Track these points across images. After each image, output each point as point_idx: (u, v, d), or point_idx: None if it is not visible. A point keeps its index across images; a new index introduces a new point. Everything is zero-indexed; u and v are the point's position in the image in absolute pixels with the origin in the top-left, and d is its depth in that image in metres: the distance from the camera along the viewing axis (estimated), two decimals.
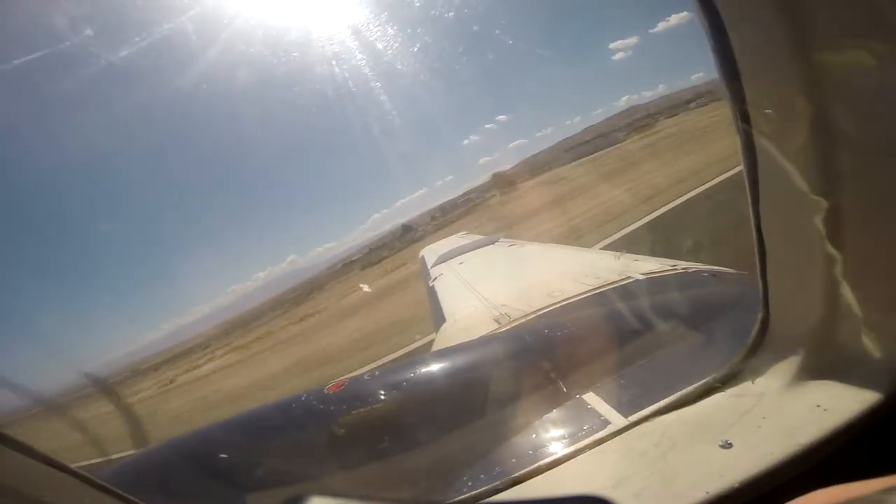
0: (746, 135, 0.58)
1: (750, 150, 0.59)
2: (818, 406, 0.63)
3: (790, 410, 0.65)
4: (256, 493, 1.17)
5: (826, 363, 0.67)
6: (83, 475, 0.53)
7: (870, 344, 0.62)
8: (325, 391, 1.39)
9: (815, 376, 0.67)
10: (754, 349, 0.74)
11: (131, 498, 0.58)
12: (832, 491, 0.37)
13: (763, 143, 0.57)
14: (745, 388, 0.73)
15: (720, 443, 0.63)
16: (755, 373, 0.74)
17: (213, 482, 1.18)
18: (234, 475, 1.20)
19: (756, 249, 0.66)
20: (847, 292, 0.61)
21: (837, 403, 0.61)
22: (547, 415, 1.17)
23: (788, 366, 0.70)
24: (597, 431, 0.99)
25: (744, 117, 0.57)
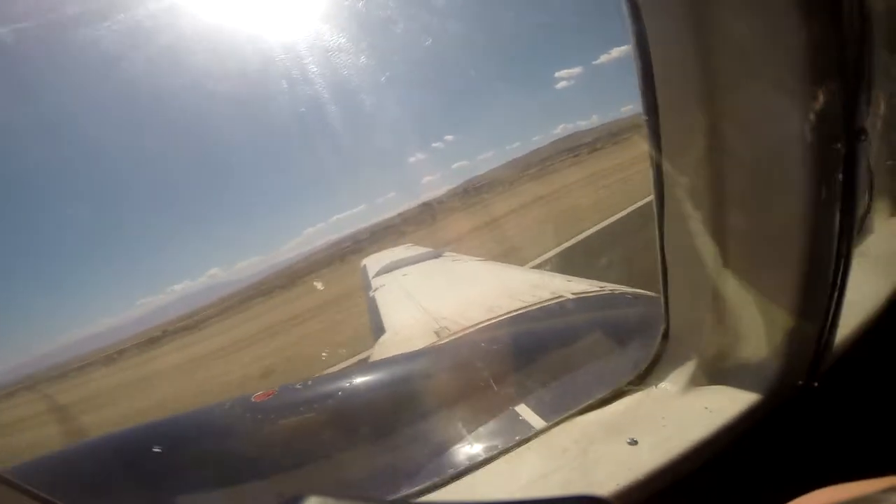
0: (657, 167, 0.68)
1: (659, 181, 0.69)
2: (706, 408, 0.74)
3: (685, 412, 0.75)
4: (171, 498, 1.10)
5: (714, 371, 0.79)
6: None
7: (748, 354, 0.75)
8: (252, 399, 1.32)
9: (705, 382, 0.79)
10: (658, 357, 0.86)
11: (40, 493, 0.56)
12: (832, 491, 0.39)
13: (670, 174, 0.67)
14: (650, 391, 0.84)
15: (628, 440, 0.72)
16: (658, 378, 0.85)
17: (124, 485, 1.10)
18: (148, 479, 1.13)
19: (660, 269, 0.78)
20: (731, 309, 0.73)
21: (721, 405, 0.73)
22: (478, 423, 1.22)
23: (684, 372, 0.81)
24: (520, 437, 1.05)
25: (657, 147, 0.66)
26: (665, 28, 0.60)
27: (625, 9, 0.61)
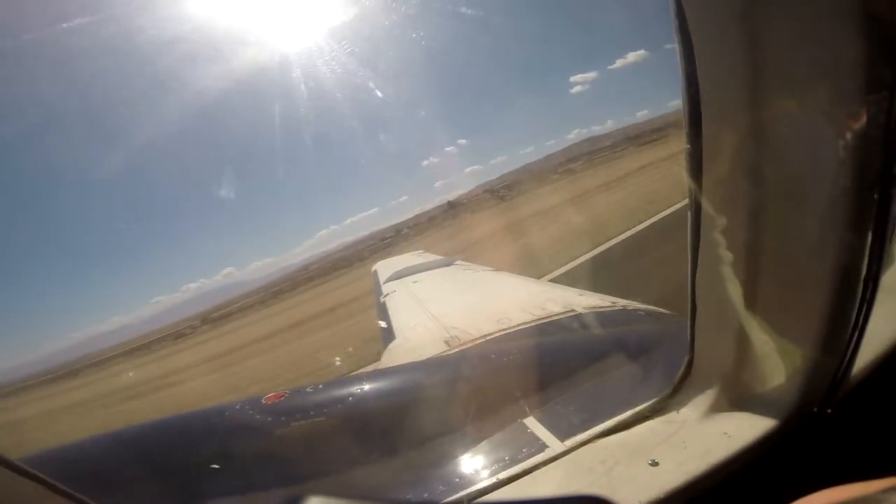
0: (695, 197, 0.69)
1: (696, 209, 0.70)
2: (725, 433, 0.76)
3: (705, 436, 0.77)
4: (178, 495, 1.13)
5: (734, 398, 0.81)
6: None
7: (769, 382, 0.77)
8: (263, 401, 1.34)
9: (725, 409, 0.82)
10: (680, 384, 0.88)
11: (51, 481, 0.57)
12: (833, 492, 0.40)
13: (706, 203, 0.69)
14: (671, 416, 0.86)
15: (649, 462, 0.74)
16: (679, 404, 0.87)
17: (132, 481, 1.12)
18: (156, 476, 1.14)
19: (689, 300, 0.80)
20: (755, 339, 0.75)
21: (740, 431, 0.75)
22: (490, 437, 1.22)
23: (706, 400, 0.84)
24: (537, 454, 1.06)
25: (696, 177, 0.68)
26: (712, 54, 0.61)
27: (677, 44, 0.62)
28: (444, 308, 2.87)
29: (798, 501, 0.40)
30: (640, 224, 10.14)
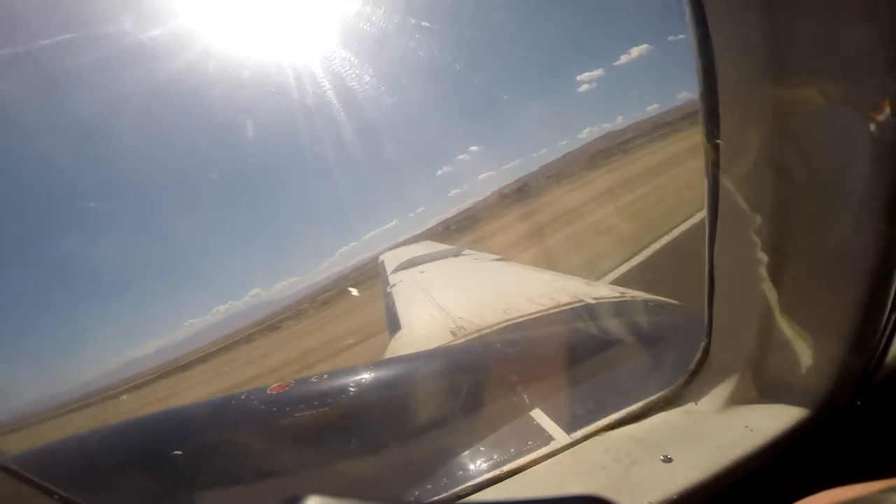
0: (713, 180, 0.66)
1: (714, 193, 0.67)
2: (746, 427, 0.71)
3: (724, 430, 0.72)
4: (184, 487, 1.11)
5: (756, 389, 0.76)
6: None
7: (792, 374, 0.72)
8: (268, 391, 1.33)
9: (745, 400, 0.76)
10: (695, 373, 0.83)
11: (43, 483, 0.55)
12: (834, 492, 0.39)
13: (726, 182, 0.65)
14: (687, 408, 0.81)
15: (661, 457, 0.69)
16: (695, 395, 0.82)
17: (134, 474, 1.11)
18: (161, 469, 1.13)
19: (706, 283, 0.75)
20: (779, 329, 0.70)
21: (762, 424, 0.70)
22: (496, 429, 1.19)
23: (724, 390, 0.78)
24: (542, 446, 1.03)
25: (714, 160, 0.64)
26: (731, 43, 0.58)
27: (691, 32, 0.60)
28: (451, 298, 2.85)
29: (802, 501, 0.40)
30: None
